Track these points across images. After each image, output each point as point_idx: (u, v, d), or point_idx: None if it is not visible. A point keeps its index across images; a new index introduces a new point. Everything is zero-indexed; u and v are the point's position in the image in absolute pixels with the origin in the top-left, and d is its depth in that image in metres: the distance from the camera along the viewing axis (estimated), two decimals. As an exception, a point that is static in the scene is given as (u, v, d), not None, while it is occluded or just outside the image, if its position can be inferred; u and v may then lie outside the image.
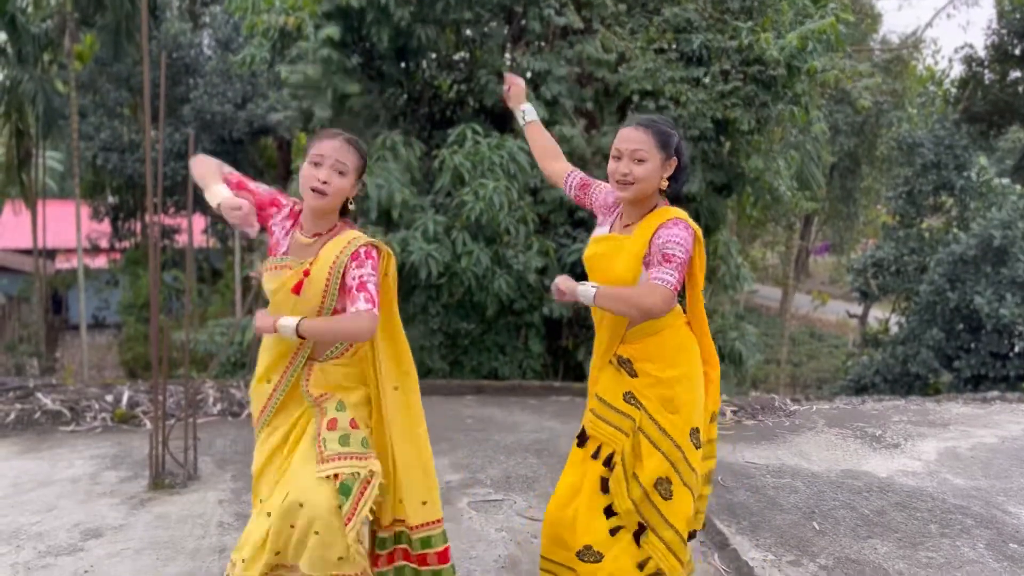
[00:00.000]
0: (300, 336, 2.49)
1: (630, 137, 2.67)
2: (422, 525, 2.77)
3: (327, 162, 2.53)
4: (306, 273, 2.54)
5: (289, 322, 2.48)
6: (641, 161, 2.64)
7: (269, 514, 2.56)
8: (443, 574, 2.80)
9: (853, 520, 4.12)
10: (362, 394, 2.71)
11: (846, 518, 4.15)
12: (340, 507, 2.51)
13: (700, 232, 2.70)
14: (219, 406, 5.87)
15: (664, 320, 2.72)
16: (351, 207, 2.69)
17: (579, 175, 3.04)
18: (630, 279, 2.66)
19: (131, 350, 19.01)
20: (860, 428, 5.91)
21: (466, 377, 8.13)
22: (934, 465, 5.07)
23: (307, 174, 2.54)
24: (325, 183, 2.52)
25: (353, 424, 2.62)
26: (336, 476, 2.53)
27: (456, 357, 8.42)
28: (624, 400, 2.78)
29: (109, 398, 5.81)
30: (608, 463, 2.79)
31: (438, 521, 2.81)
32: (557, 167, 3.12)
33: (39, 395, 5.75)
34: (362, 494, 2.55)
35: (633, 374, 2.78)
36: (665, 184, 2.73)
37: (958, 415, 6.42)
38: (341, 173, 2.55)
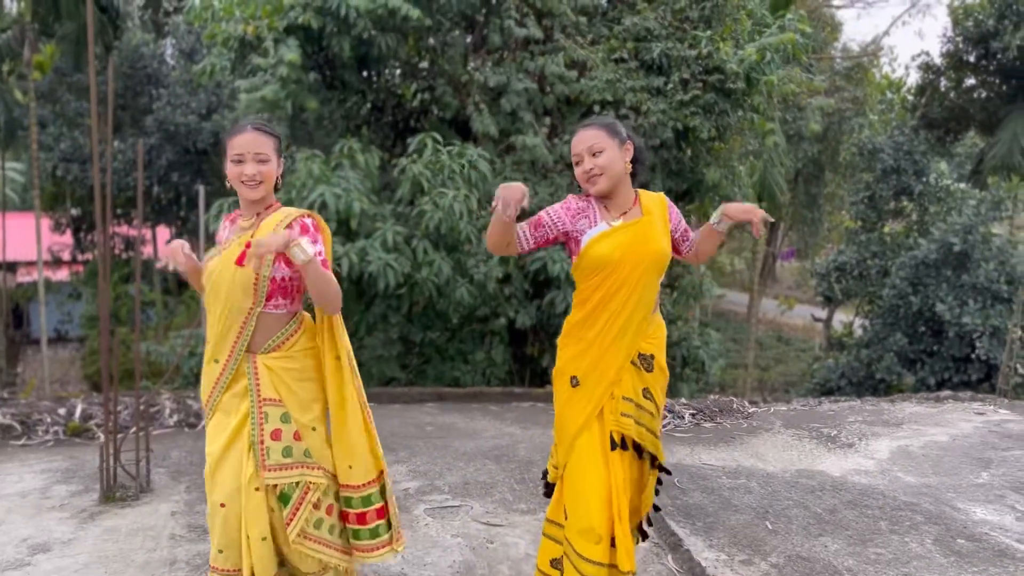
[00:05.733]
0: (303, 263, 2.47)
1: (582, 137, 2.80)
2: (357, 486, 2.79)
3: (248, 156, 2.63)
4: (247, 245, 2.55)
5: (309, 246, 2.47)
6: (599, 152, 2.76)
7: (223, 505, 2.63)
8: (379, 530, 2.83)
9: (805, 519, 4.17)
10: (317, 411, 2.74)
11: (798, 517, 4.20)
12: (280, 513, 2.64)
13: None
14: (175, 417, 5.80)
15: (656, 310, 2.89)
16: (280, 183, 2.80)
17: (522, 225, 2.78)
18: (669, 253, 2.85)
19: (94, 363, 18.68)
20: (816, 429, 5.98)
21: (428, 386, 8.12)
22: (886, 464, 5.15)
23: (234, 172, 2.64)
24: (254, 175, 2.64)
25: (296, 436, 2.67)
26: (275, 486, 2.63)
27: (419, 366, 8.41)
28: (644, 396, 2.87)
29: (62, 411, 5.72)
30: (637, 449, 2.89)
31: (372, 481, 2.81)
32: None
33: (-10, 409, 5.65)
34: (301, 500, 2.66)
35: (650, 369, 2.88)
36: (630, 167, 2.85)
37: (911, 414, 6.53)
38: (263, 161, 2.65)
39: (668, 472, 3.06)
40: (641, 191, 2.92)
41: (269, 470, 2.62)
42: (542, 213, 2.82)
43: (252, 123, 2.69)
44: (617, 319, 2.79)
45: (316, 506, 2.71)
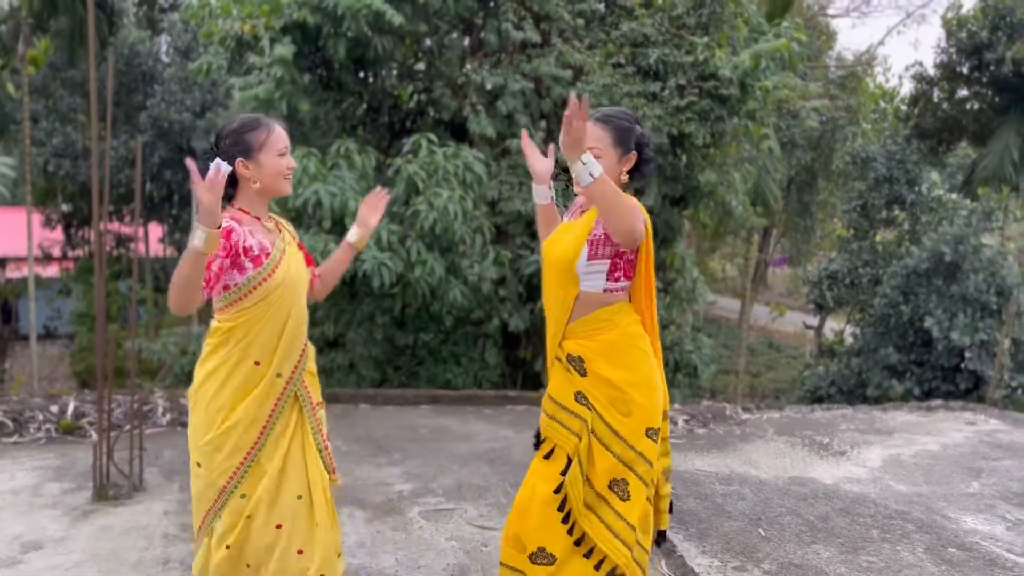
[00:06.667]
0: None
1: (588, 134, 2.57)
2: None
3: (287, 150, 2.65)
4: (300, 245, 2.73)
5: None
6: (596, 158, 2.53)
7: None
8: None
9: (798, 526, 4.19)
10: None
11: (791, 524, 4.22)
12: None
13: (650, 226, 2.68)
14: (168, 416, 5.78)
15: (615, 318, 2.69)
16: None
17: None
18: (571, 256, 2.66)
19: (83, 361, 18.60)
20: (808, 436, 6.01)
21: (421, 388, 8.12)
22: (878, 472, 5.18)
23: (280, 165, 2.61)
24: (292, 168, 2.68)
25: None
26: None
27: (411, 368, 8.41)
28: (575, 400, 2.70)
29: (54, 409, 5.69)
30: (567, 467, 2.70)
31: None
32: None
33: (-19, 406, 5.62)
34: None
35: (583, 373, 2.70)
36: (625, 178, 2.71)
37: (903, 423, 6.57)
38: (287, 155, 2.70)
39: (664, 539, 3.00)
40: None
41: (334, 472, 2.76)
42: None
43: (274, 118, 2.71)
44: (545, 298, 2.84)
45: None
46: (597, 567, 2.68)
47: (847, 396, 12.81)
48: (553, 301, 2.76)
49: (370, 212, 3.02)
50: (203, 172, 2.25)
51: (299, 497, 2.57)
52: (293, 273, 2.61)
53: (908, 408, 7.27)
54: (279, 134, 2.61)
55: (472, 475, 4.91)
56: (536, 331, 8.66)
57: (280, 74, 7.62)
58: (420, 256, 7.35)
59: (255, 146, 2.55)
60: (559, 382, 2.77)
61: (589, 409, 2.67)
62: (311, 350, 2.74)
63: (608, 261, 2.67)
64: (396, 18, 7.57)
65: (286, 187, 2.67)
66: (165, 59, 18.86)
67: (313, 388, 2.70)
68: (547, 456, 2.77)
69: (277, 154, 2.59)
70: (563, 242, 2.73)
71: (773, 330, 27.94)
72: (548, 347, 2.84)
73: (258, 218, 2.62)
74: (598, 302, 2.70)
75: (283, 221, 2.75)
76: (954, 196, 14.34)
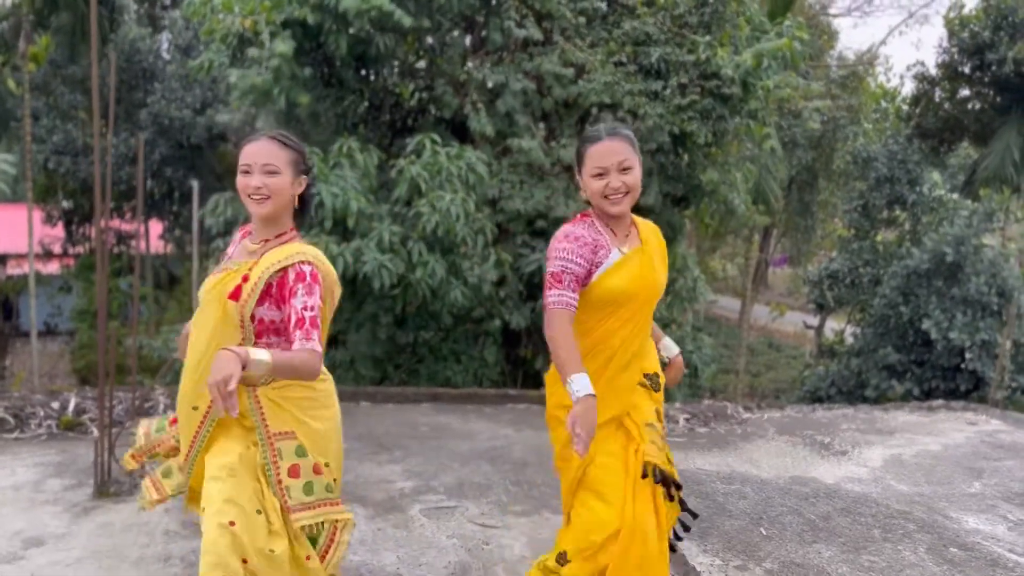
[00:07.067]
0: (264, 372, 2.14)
1: (612, 149, 2.52)
2: None
3: (255, 168, 2.39)
4: (244, 279, 2.36)
5: (263, 356, 2.11)
6: (628, 169, 2.53)
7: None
8: None
9: (799, 525, 4.19)
10: (328, 421, 2.51)
11: (792, 523, 4.21)
12: (308, 558, 2.44)
13: None
14: (169, 413, 5.77)
15: None
16: (309, 210, 2.55)
17: (561, 300, 2.50)
18: (664, 284, 2.73)
19: (84, 358, 18.59)
20: (810, 436, 6.01)
21: (421, 386, 8.11)
22: (879, 472, 5.18)
23: (241, 184, 2.41)
24: (259, 188, 2.38)
25: (316, 470, 2.44)
26: (303, 527, 2.42)
27: (411, 366, 8.40)
28: (658, 417, 2.72)
29: (55, 405, 5.69)
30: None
31: None
32: None
33: (-18, 402, 5.61)
34: (331, 542, 2.49)
35: (657, 388, 2.72)
36: None
37: (904, 423, 6.56)
38: (271, 173, 2.39)
39: (693, 514, 2.84)
40: (635, 217, 2.73)
41: (294, 511, 2.38)
42: (564, 264, 2.50)
43: (268, 133, 2.48)
44: (625, 353, 2.60)
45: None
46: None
47: (846, 396, 12.80)
48: (642, 331, 2.66)
49: None
50: None
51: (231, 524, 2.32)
52: (203, 295, 2.44)
53: (909, 408, 7.27)
54: (247, 149, 2.42)
55: (473, 473, 4.91)
56: (536, 329, 8.65)
57: (279, 65, 7.60)
58: (422, 257, 7.34)
59: (237, 164, 2.47)
60: (647, 406, 2.69)
61: (661, 423, 2.75)
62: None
63: None
64: (405, 19, 7.56)
65: (251, 206, 2.41)
66: (166, 56, 18.85)
67: (273, 417, 2.40)
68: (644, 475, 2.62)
69: (240, 171, 2.42)
70: (658, 268, 2.67)
71: (773, 330, 27.94)
72: (622, 382, 2.63)
73: (250, 233, 2.53)
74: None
75: (273, 256, 2.40)
76: (955, 196, 14.34)
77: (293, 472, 2.40)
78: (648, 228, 2.74)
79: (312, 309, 2.30)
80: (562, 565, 2.57)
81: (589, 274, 2.55)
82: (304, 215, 2.55)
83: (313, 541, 2.45)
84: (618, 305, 2.56)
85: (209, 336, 2.38)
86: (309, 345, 2.24)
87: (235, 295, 2.36)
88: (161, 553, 3.63)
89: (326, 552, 2.47)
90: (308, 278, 2.34)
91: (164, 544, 3.73)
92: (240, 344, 2.35)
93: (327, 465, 2.48)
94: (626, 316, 2.58)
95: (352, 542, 3.77)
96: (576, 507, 2.63)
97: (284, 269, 2.36)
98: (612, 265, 2.56)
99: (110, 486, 4.30)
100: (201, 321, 2.43)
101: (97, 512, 4.09)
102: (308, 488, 2.42)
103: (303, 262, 2.36)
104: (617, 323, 2.58)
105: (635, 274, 2.58)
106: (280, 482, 2.39)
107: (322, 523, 2.45)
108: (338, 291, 2.58)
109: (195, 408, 2.42)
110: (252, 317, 2.36)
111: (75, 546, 3.68)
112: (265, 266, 2.37)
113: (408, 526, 4.04)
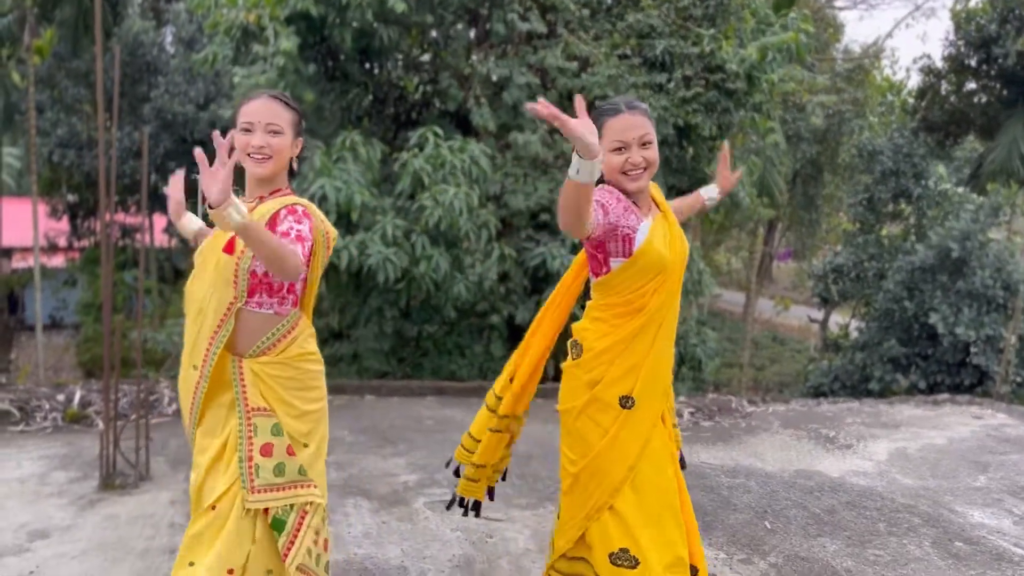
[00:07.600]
0: (236, 230, 2.04)
1: (634, 123, 2.43)
2: None
3: (258, 126, 2.35)
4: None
5: (244, 209, 2.04)
6: (648, 144, 2.45)
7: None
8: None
9: (804, 519, 4.19)
10: (313, 403, 2.44)
11: (797, 517, 4.21)
12: (275, 542, 2.35)
13: None
14: (174, 406, 5.79)
15: None
16: (295, 167, 2.52)
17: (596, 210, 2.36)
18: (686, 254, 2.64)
19: (89, 351, 18.64)
20: (814, 429, 6.00)
21: (426, 379, 8.12)
22: (884, 465, 5.17)
23: (241, 142, 2.35)
24: (262, 147, 2.35)
25: (290, 451, 2.36)
26: (266, 510, 2.33)
27: (416, 359, 8.40)
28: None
29: (60, 398, 5.71)
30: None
31: None
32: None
33: (-12, 395, 5.63)
34: (299, 526, 2.37)
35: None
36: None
37: (909, 417, 6.55)
38: (275, 133, 2.36)
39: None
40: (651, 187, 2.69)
41: (257, 491, 2.30)
42: (598, 200, 2.36)
43: (269, 92, 2.43)
44: (671, 325, 2.54)
45: (317, 533, 2.43)
46: None
47: (850, 390, 12.79)
48: (679, 292, 2.59)
49: None
50: None
51: (212, 507, 2.33)
52: (197, 257, 2.42)
53: (914, 402, 7.25)
54: (249, 107, 2.38)
55: (477, 466, 4.90)
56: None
57: (283, 63, 7.60)
58: (425, 251, 7.33)
59: (234, 121, 2.42)
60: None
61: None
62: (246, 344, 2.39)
63: None
64: (399, 5, 7.54)
65: (251, 166, 2.37)
66: (170, 50, 18.85)
67: (254, 391, 2.35)
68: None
69: (240, 129, 2.37)
70: (682, 234, 2.60)
71: (778, 324, 27.91)
72: (668, 358, 2.58)
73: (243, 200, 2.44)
74: None
75: (267, 207, 2.37)
76: (961, 190, 14.28)
77: (265, 451, 2.33)
78: (657, 193, 2.66)
79: (298, 231, 2.26)
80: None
81: (615, 233, 2.41)
82: (292, 177, 2.54)
83: (280, 525, 2.34)
84: (659, 271, 2.46)
85: (206, 291, 2.36)
86: (292, 248, 2.19)
87: (229, 248, 2.32)
88: (166, 545, 3.64)
89: (293, 539, 2.35)
90: (299, 212, 2.33)
91: (169, 536, 3.74)
92: (232, 303, 2.33)
93: (305, 446, 2.40)
94: (668, 284, 2.49)
95: (357, 535, 3.78)
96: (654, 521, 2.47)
97: (275, 212, 2.33)
98: (648, 231, 2.46)
99: (115, 479, 4.31)
100: (197, 282, 2.41)
101: (102, 504, 4.10)
102: (279, 469, 2.33)
103: (296, 204, 2.35)
104: (663, 293, 2.48)
105: (668, 241, 2.52)
106: (251, 459, 2.32)
107: (290, 506, 2.36)
108: (333, 238, 2.55)
109: (195, 367, 2.39)
110: (250, 271, 2.32)
111: (80, 538, 3.69)
112: (258, 216, 2.30)
113: (412, 519, 4.04)
